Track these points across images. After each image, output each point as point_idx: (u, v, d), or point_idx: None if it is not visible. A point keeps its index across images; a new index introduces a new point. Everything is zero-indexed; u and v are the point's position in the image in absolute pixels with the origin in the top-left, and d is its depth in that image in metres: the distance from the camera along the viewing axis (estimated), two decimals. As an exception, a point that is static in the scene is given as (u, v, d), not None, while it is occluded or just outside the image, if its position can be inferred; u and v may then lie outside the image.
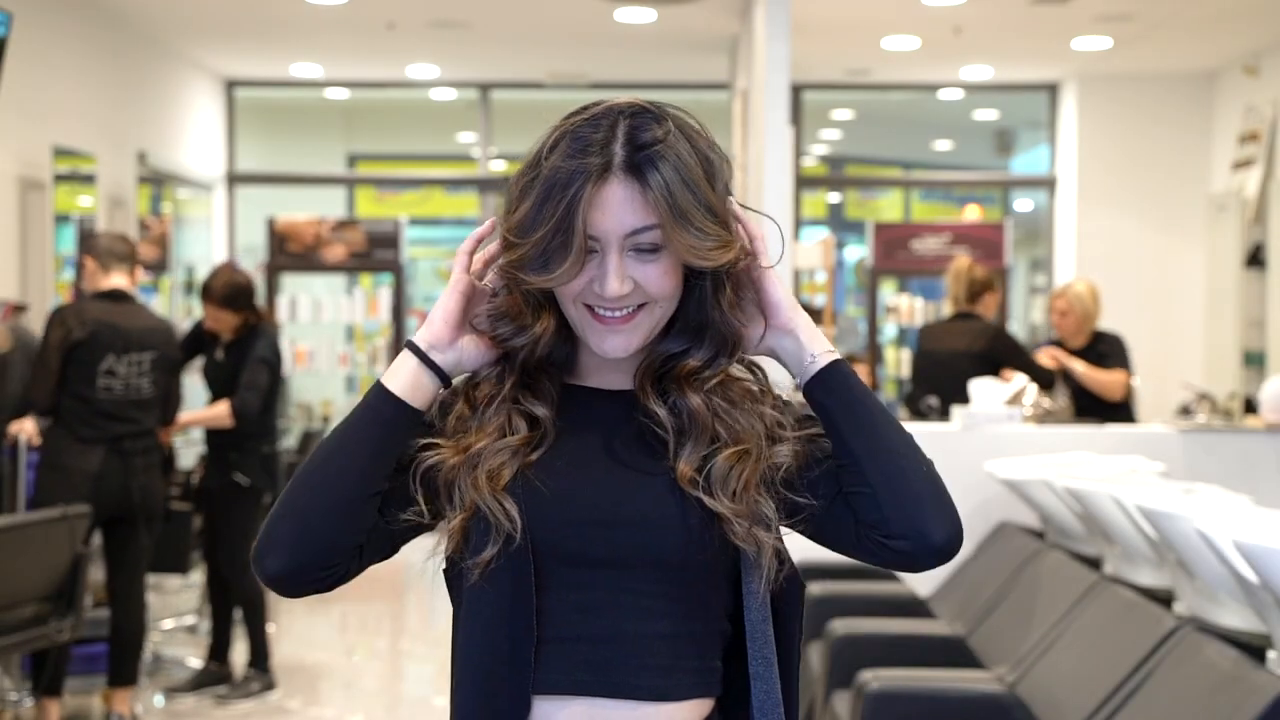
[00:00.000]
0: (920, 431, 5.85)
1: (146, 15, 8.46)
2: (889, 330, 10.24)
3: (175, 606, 7.22)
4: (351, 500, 1.53)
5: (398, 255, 9.96)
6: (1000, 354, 6.13)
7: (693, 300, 1.57)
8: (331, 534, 1.53)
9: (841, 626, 4.31)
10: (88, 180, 7.76)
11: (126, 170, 8.41)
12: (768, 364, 1.65)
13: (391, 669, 6.65)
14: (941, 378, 6.18)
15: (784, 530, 1.59)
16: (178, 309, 9.24)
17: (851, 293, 11.67)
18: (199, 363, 6.02)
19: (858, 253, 11.75)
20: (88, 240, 5.37)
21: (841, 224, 12.48)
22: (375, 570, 1.66)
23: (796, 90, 10.09)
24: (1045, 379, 6.05)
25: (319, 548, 1.53)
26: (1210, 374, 8.79)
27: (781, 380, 1.66)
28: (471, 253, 1.59)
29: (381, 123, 12.44)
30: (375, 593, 7.69)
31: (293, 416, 9.75)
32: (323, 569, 1.53)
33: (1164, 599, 3.78)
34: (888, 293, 10.16)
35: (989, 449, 5.45)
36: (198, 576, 6.68)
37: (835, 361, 1.58)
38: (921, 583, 5.36)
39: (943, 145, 13.13)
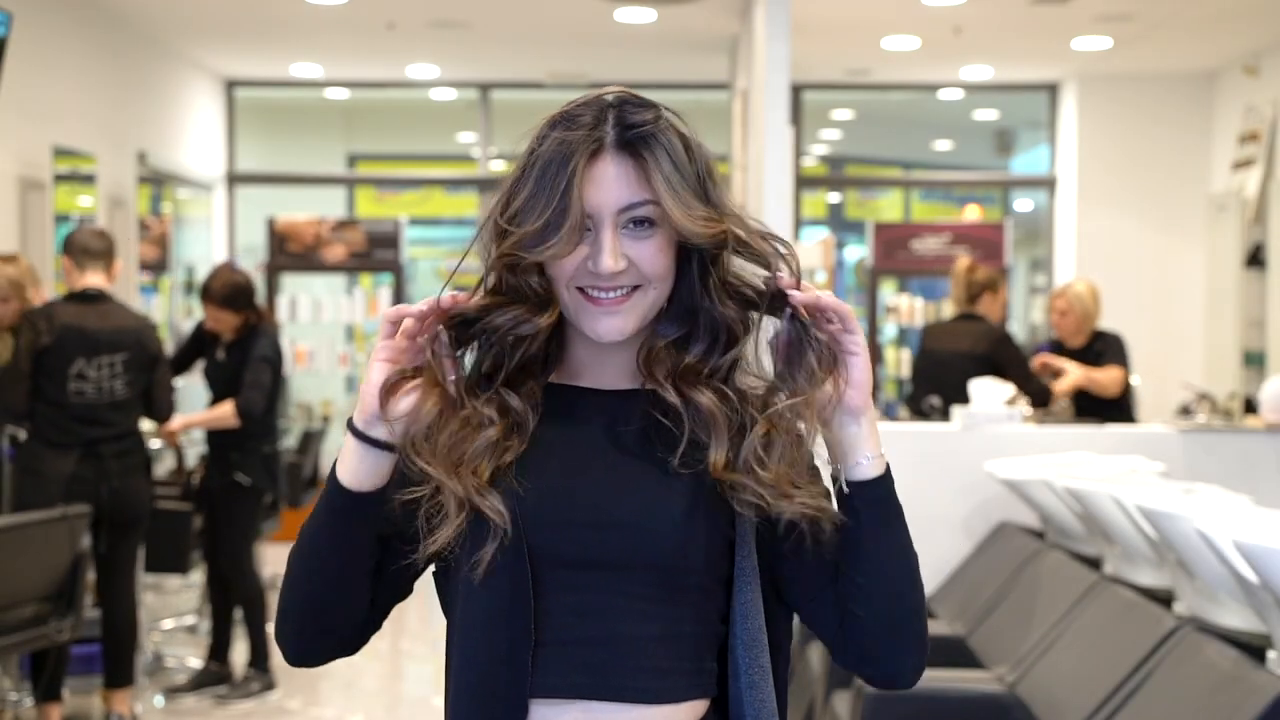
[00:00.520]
0: (921, 431, 5.87)
1: (146, 15, 8.46)
2: (889, 330, 10.24)
3: (175, 606, 7.23)
4: (333, 594, 1.56)
5: (398, 255, 9.96)
6: (1001, 361, 6.10)
7: (684, 286, 1.56)
8: (328, 621, 1.58)
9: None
10: (88, 180, 7.76)
11: (126, 170, 8.41)
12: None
13: (391, 669, 6.65)
14: (943, 378, 6.18)
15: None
16: (178, 309, 9.24)
17: (851, 293, 11.66)
18: (200, 364, 6.03)
19: (858, 253, 11.75)
20: (65, 239, 5.26)
21: (841, 224, 12.47)
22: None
23: (796, 90, 10.09)
24: (1041, 397, 6.02)
25: (321, 633, 1.59)
26: (1210, 374, 8.79)
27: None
28: (396, 321, 1.52)
29: (381, 123, 12.43)
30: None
31: (293, 416, 9.76)
32: (337, 645, 1.60)
33: (1164, 599, 3.78)
34: (888, 293, 10.16)
35: (989, 449, 5.45)
36: (198, 576, 6.69)
37: (888, 469, 1.55)
38: (921, 583, 5.36)
39: (943, 145, 13.12)
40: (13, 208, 6.80)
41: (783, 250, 1.55)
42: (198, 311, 7.16)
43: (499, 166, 10.94)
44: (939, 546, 5.41)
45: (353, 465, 1.54)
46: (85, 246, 5.07)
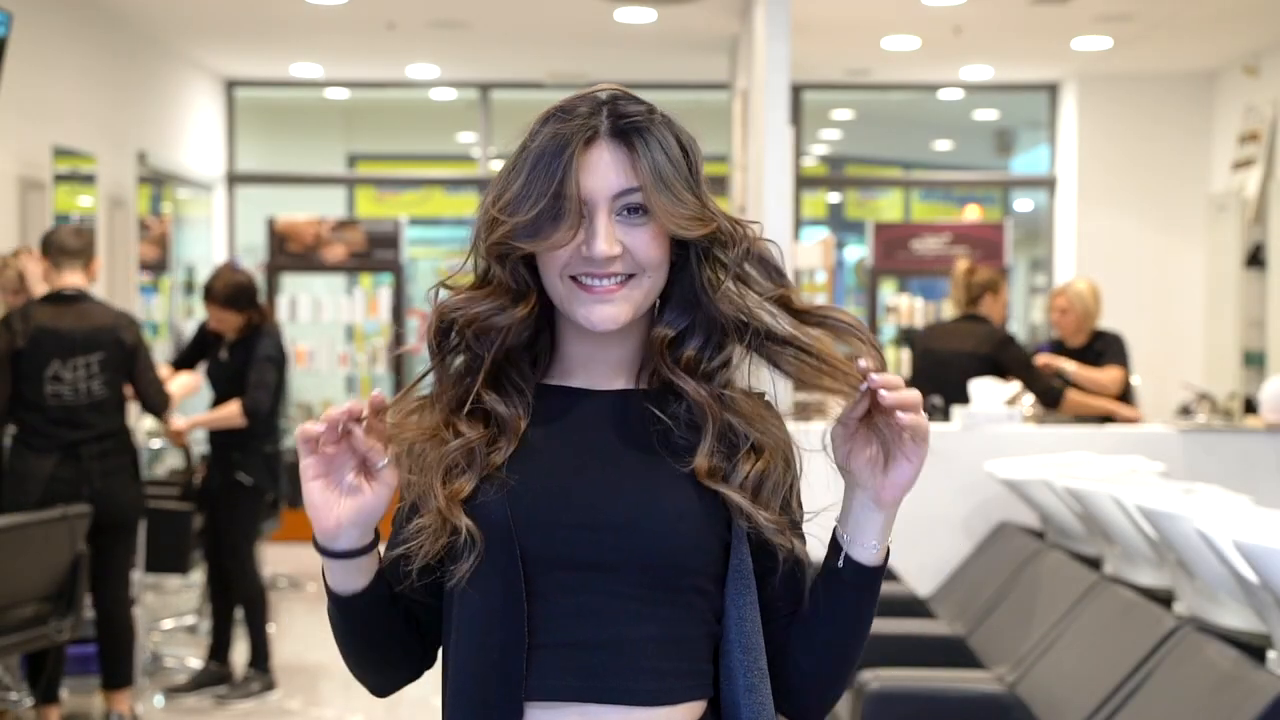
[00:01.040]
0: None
1: (146, 15, 8.46)
2: (889, 330, 10.24)
3: (175, 606, 7.23)
4: (377, 653, 1.64)
5: (398, 255, 9.96)
6: (1006, 363, 6.05)
7: (684, 280, 1.56)
8: (388, 668, 1.66)
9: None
10: (88, 180, 7.76)
11: (126, 170, 8.41)
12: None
13: (391, 669, 6.65)
14: (944, 377, 6.16)
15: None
16: (178, 309, 9.24)
17: (851, 293, 11.65)
18: (204, 364, 6.03)
19: (858, 253, 11.74)
20: (43, 238, 5.17)
21: (841, 224, 12.46)
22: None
23: (796, 90, 10.08)
24: (1049, 396, 5.98)
25: (387, 673, 1.66)
26: (1210, 374, 8.79)
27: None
28: (314, 439, 1.48)
29: (381, 123, 12.43)
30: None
31: (293, 416, 9.75)
32: (408, 675, 1.68)
33: (1164, 599, 3.78)
34: (888, 293, 10.16)
35: (989, 449, 5.45)
36: (198, 576, 6.69)
37: (887, 557, 1.58)
38: (921, 583, 5.36)
39: (943, 145, 13.12)
40: (13, 208, 6.80)
41: (860, 335, 1.54)
42: (198, 312, 7.17)
43: (499, 166, 10.92)
44: (939, 546, 5.41)
45: (338, 577, 1.56)
46: (62, 246, 4.98)
